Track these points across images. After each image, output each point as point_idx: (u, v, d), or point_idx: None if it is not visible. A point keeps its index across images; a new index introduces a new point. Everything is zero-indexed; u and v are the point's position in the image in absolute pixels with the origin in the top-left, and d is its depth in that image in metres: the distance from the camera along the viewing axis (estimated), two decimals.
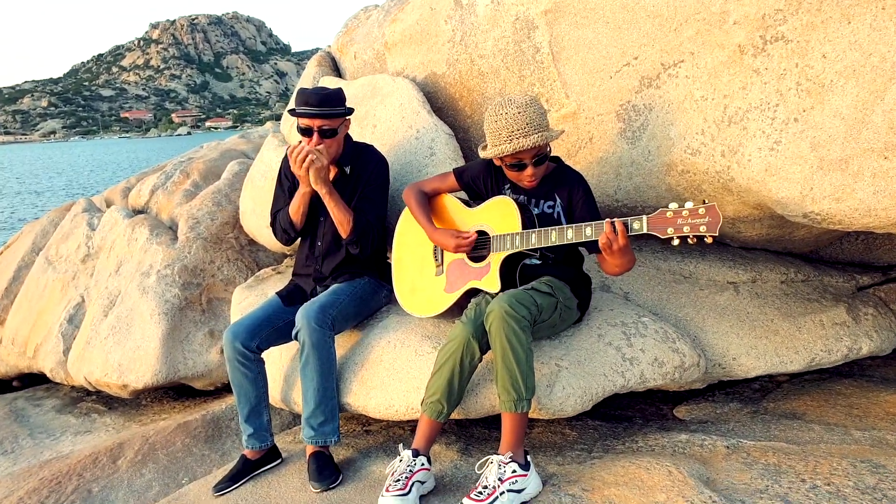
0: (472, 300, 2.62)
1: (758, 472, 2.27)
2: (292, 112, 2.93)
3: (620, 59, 2.84)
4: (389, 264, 3.30)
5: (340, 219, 2.92)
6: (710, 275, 3.07)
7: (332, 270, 3.09)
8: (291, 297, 3.10)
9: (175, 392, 4.90)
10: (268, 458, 2.95)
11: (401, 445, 2.47)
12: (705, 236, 2.14)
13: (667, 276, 3.10)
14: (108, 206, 5.83)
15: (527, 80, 3.19)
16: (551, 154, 2.60)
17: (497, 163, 2.63)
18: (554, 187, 2.63)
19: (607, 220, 2.28)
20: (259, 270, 4.56)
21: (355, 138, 3.19)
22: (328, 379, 2.74)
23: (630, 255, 2.36)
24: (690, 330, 2.87)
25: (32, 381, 5.80)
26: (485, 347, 2.42)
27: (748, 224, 2.81)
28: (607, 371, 2.53)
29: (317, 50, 4.97)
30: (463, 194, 2.89)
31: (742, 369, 2.81)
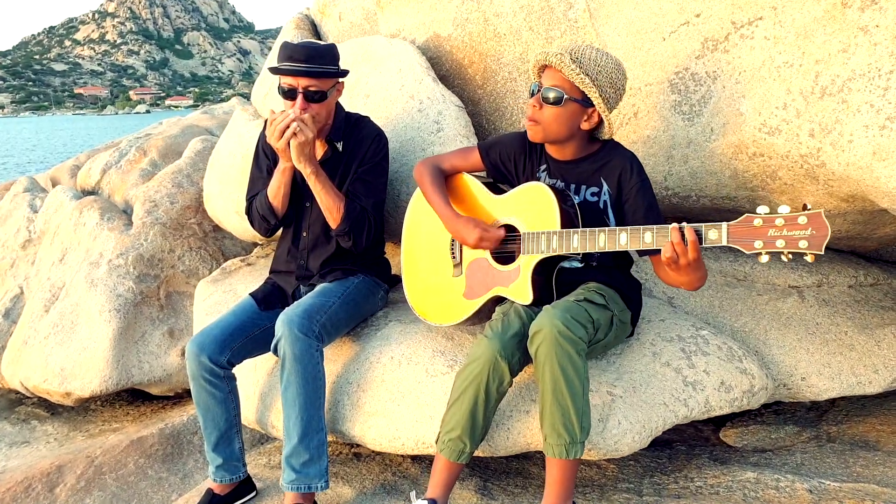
0: (498, 308, 2.12)
1: None
2: (273, 69, 2.37)
3: (677, 17, 2.34)
4: (387, 261, 2.78)
5: (329, 205, 2.39)
6: (768, 277, 2.62)
7: (319, 267, 2.56)
8: (269, 299, 2.57)
9: (129, 395, 4.32)
10: (239, 491, 2.44)
11: (413, 493, 1.97)
12: (806, 254, 1.66)
13: (718, 278, 2.63)
14: (54, 185, 5.19)
15: (555, 42, 2.68)
16: (583, 116, 2.05)
17: None
18: (600, 170, 2.13)
19: (674, 224, 1.76)
20: (225, 260, 4.03)
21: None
22: (314, 404, 2.21)
23: (701, 270, 1.84)
24: (750, 343, 2.41)
25: None
26: (515, 369, 1.92)
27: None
28: (667, 399, 2.05)
29: (281, 29, 4.38)
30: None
31: (812, 391, 2.36)
